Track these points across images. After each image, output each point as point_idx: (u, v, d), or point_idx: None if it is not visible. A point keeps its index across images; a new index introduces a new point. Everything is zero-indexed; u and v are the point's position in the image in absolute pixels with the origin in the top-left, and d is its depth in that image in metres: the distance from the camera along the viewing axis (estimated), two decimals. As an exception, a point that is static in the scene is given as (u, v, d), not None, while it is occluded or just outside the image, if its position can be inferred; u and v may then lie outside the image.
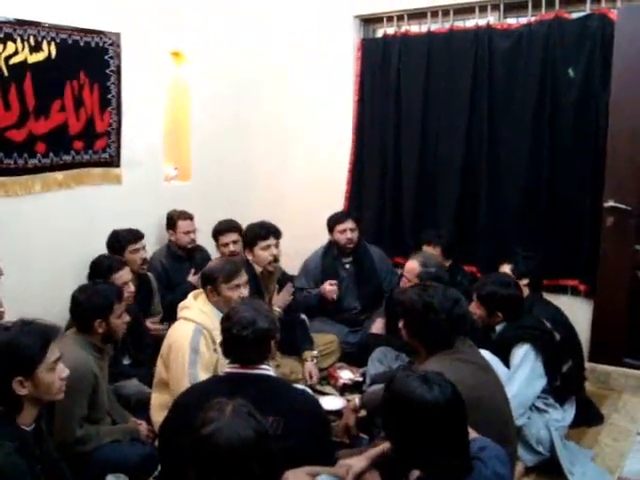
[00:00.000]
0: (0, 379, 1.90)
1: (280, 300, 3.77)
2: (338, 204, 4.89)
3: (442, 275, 3.36)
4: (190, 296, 3.09)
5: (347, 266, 4.31)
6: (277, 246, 3.77)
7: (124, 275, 3.25)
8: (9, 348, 1.90)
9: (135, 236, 3.66)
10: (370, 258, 4.32)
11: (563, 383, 3.06)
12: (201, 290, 3.11)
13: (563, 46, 3.93)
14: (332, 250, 4.33)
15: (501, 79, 4.17)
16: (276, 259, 3.76)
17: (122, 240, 3.62)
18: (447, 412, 1.72)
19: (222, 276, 2.99)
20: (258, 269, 3.71)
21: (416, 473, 1.80)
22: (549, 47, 3.96)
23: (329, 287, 4.14)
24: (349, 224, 4.25)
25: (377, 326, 4.01)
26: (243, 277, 3.06)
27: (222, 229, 4.12)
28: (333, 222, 4.30)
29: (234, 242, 4.07)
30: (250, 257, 3.73)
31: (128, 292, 3.20)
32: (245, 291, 3.04)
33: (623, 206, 3.74)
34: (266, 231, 3.73)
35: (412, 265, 3.45)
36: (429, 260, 3.45)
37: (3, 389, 1.89)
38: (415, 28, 4.60)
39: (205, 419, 1.65)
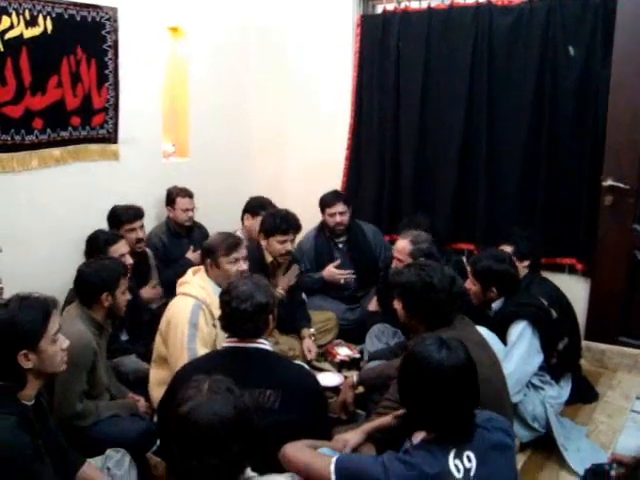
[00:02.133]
0: (5, 354, 1.92)
1: (284, 281, 3.71)
2: (336, 181, 4.88)
3: (433, 251, 3.37)
4: (189, 272, 3.09)
5: (340, 245, 4.31)
6: (293, 241, 3.70)
7: (120, 248, 3.26)
8: (11, 324, 1.93)
9: (132, 215, 3.64)
10: (364, 236, 4.31)
11: (559, 360, 3.08)
12: (200, 267, 3.12)
13: (564, 23, 3.90)
14: (324, 230, 4.33)
15: (501, 56, 4.14)
16: (289, 253, 3.68)
17: (119, 217, 3.62)
18: (453, 375, 1.76)
19: (222, 249, 2.99)
20: (269, 257, 3.66)
21: (420, 436, 1.83)
22: (550, 24, 3.93)
23: (335, 271, 4.14)
24: (339, 207, 4.21)
25: (374, 303, 4.03)
26: (243, 251, 3.06)
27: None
28: (323, 204, 4.28)
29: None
30: (264, 243, 3.65)
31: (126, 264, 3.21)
32: (245, 265, 3.04)
33: (622, 185, 3.74)
34: (287, 226, 3.61)
35: (402, 244, 3.40)
36: (419, 237, 3.41)
37: (9, 364, 1.93)
38: (415, 4, 4.53)
39: (183, 397, 1.63)
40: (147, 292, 3.74)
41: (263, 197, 4.26)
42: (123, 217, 3.61)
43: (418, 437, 1.86)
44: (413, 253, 3.32)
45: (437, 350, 1.80)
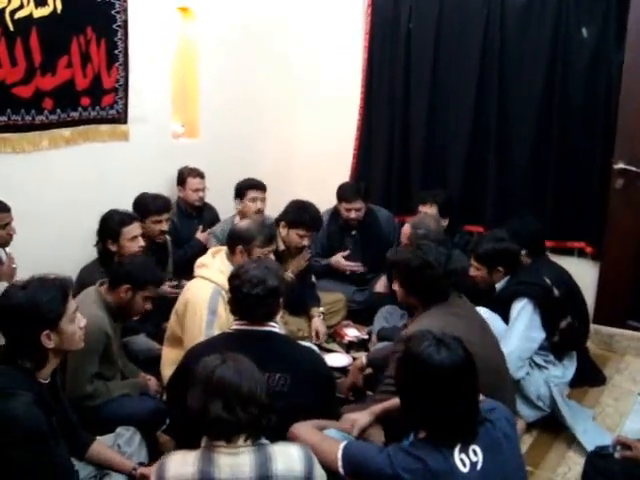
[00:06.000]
0: (28, 335, 1.96)
1: (294, 265, 3.72)
2: (346, 163, 4.88)
3: (433, 238, 3.37)
4: (209, 253, 3.09)
5: (353, 232, 4.28)
6: (311, 237, 3.70)
7: (134, 229, 3.25)
8: (33, 306, 1.95)
9: (160, 207, 3.59)
10: (377, 224, 4.29)
11: (562, 339, 3.09)
12: (219, 248, 3.12)
13: (577, 4, 3.85)
14: (337, 217, 4.30)
15: (513, 37, 4.10)
16: (304, 246, 3.69)
17: (147, 207, 3.57)
18: (454, 375, 1.74)
19: (260, 240, 2.98)
20: (282, 246, 3.66)
21: (423, 433, 1.83)
22: (563, 5, 3.88)
23: (343, 262, 4.15)
24: (356, 204, 4.15)
25: (381, 284, 4.04)
26: (274, 245, 3.11)
27: (248, 186, 4.09)
28: (340, 197, 4.21)
29: (262, 200, 4.06)
30: (282, 231, 3.64)
31: (138, 246, 3.23)
32: (271, 257, 3.03)
33: (633, 168, 3.71)
34: (312, 224, 3.60)
35: (405, 228, 3.50)
36: (420, 223, 3.47)
37: (32, 344, 1.96)
38: (427, -16, 4.50)
39: (214, 364, 1.77)
40: (164, 289, 3.62)
41: (246, 179, 4.17)
42: (151, 207, 3.55)
43: (422, 434, 1.84)
44: (410, 237, 3.40)
45: (437, 351, 1.75)
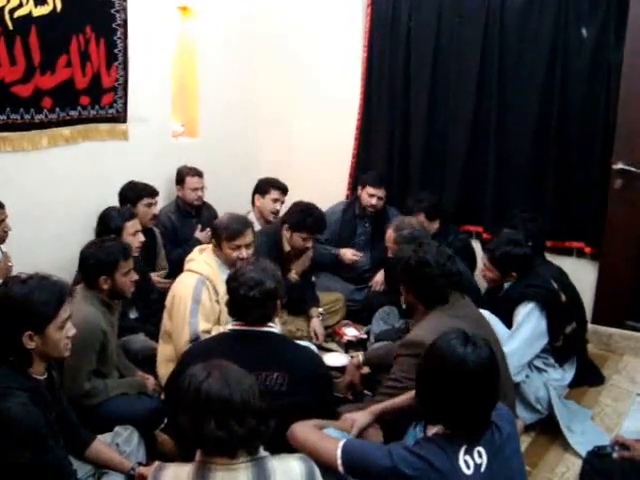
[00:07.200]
0: (11, 331, 1.93)
1: (299, 265, 3.73)
2: (346, 163, 4.88)
3: (417, 235, 3.37)
4: (196, 250, 3.14)
5: (366, 224, 4.34)
6: (314, 239, 3.73)
7: (135, 224, 3.31)
8: (25, 302, 1.93)
9: (151, 190, 3.70)
10: (387, 221, 4.31)
11: (565, 344, 3.09)
12: (206, 245, 3.16)
13: (577, 4, 3.83)
14: (354, 207, 4.36)
15: (513, 37, 4.09)
16: (308, 248, 3.71)
17: (138, 191, 3.65)
18: (477, 371, 1.73)
19: (226, 234, 2.99)
20: (286, 246, 3.68)
21: (433, 429, 1.84)
22: (563, 5, 3.87)
23: (351, 256, 4.17)
24: (380, 192, 4.24)
25: (378, 278, 4.04)
26: (247, 238, 3.02)
27: (273, 184, 4.17)
28: (366, 182, 4.29)
29: (282, 203, 4.14)
30: (286, 234, 3.66)
31: (139, 242, 3.27)
32: (245, 252, 2.99)
33: (632, 169, 3.71)
34: (316, 228, 3.64)
35: (388, 232, 3.46)
36: (401, 223, 3.44)
37: (13, 341, 1.93)
38: (426, -17, 4.49)
39: (198, 377, 1.67)
40: (157, 279, 3.72)
41: (270, 177, 4.27)
42: (143, 192, 3.65)
43: (432, 430, 1.85)
44: (396, 240, 3.36)
45: (461, 345, 1.75)
